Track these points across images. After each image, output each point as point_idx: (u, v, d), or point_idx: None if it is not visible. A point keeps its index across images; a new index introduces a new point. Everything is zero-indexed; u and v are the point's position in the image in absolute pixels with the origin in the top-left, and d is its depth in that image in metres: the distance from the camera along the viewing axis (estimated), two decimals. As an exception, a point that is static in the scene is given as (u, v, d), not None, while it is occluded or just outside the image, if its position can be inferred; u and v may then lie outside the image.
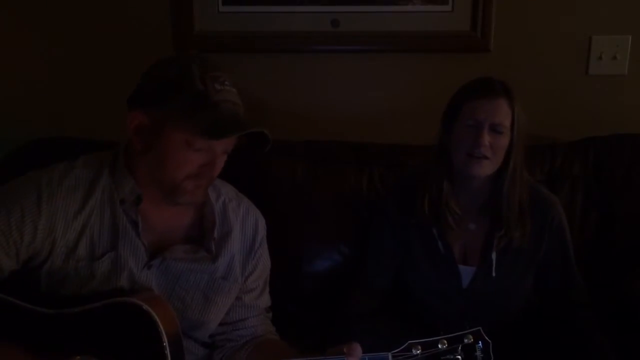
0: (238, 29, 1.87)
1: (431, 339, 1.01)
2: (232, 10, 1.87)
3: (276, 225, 1.38)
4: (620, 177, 1.68)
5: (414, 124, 1.73)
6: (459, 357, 1.01)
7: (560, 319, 1.41)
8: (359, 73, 1.89)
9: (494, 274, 1.39)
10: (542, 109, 1.83)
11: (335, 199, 1.70)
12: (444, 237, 1.42)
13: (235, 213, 1.25)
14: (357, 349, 1.00)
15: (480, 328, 1.02)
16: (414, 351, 1.00)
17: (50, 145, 1.76)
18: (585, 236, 1.65)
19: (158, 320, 1.02)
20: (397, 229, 1.47)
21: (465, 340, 1.01)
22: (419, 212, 1.42)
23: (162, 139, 1.07)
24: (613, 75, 1.82)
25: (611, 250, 1.64)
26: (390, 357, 1.01)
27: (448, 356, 1.01)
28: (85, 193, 1.12)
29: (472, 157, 1.32)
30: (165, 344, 1.02)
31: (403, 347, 1.01)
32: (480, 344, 1.01)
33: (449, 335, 1.01)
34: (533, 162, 1.68)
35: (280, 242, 1.39)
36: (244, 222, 1.26)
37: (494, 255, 1.39)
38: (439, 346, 1.00)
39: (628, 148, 1.71)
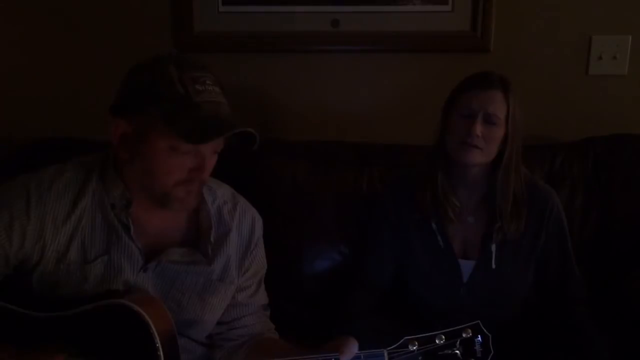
0: (238, 29, 1.87)
1: (428, 334, 0.99)
2: (232, 10, 1.87)
3: (276, 225, 1.38)
4: (620, 177, 1.68)
5: (414, 124, 1.73)
6: (457, 351, 0.98)
7: (557, 314, 1.41)
8: (359, 73, 1.90)
9: (493, 266, 1.40)
10: (542, 109, 1.83)
11: (335, 199, 1.70)
12: (444, 232, 1.43)
13: (232, 215, 1.24)
14: (353, 345, 0.99)
15: (479, 322, 1.01)
16: (410, 347, 0.98)
17: (50, 145, 1.76)
18: (585, 236, 1.65)
19: (150, 321, 1.00)
20: (396, 225, 1.47)
21: (464, 335, 0.99)
22: (420, 206, 1.43)
23: (147, 146, 1.04)
24: (613, 75, 1.82)
25: (611, 250, 1.64)
26: (385, 354, 0.99)
27: (446, 351, 0.98)
28: (75, 197, 1.10)
29: (464, 144, 1.34)
30: (158, 345, 1.00)
31: (399, 343, 0.99)
32: (480, 338, 0.99)
33: (447, 330, 0.99)
34: (533, 162, 1.68)
35: (280, 242, 1.39)
36: (240, 223, 1.25)
37: (493, 247, 1.40)
38: (437, 341, 0.98)
39: (628, 148, 1.71)
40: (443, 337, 0.99)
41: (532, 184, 1.44)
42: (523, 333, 1.40)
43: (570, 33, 1.81)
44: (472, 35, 1.82)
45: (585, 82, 1.83)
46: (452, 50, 1.83)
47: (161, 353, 1.01)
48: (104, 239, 1.11)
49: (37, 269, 1.09)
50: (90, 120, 1.85)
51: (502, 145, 1.36)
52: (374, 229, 1.53)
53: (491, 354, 1.01)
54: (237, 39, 1.87)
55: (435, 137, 1.44)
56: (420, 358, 0.99)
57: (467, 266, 1.42)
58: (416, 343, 0.99)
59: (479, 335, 1.00)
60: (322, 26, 1.85)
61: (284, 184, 1.72)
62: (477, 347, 0.99)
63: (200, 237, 1.19)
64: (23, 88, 1.96)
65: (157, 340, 1.00)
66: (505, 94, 1.35)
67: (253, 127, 1.06)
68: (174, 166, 1.05)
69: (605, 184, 1.68)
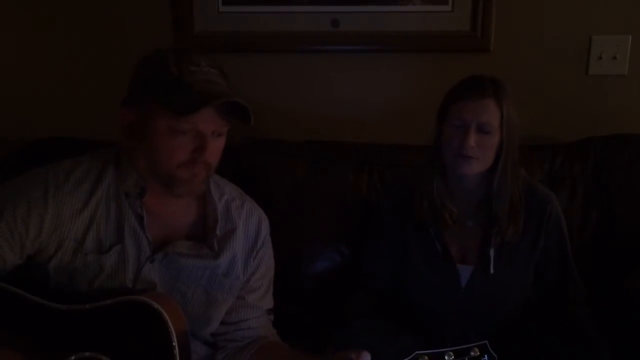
0: (238, 29, 1.87)
1: (438, 350, 1.00)
2: (232, 10, 1.87)
3: (276, 225, 1.38)
4: (620, 177, 1.67)
5: (413, 124, 1.73)
6: None
7: (558, 316, 1.41)
8: (359, 73, 1.89)
9: (492, 271, 1.39)
10: (542, 109, 1.83)
11: (335, 198, 1.70)
12: (441, 237, 1.42)
13: (239, 212, 1.26)
14: (367, 358, 1.00)
15: (486, 342, 1.02)
16: None
17: (50, 145, 1.76)
18: (585, 236, 1.65)
19: (169, 319, 1.02)
20: (393, 231, 1.46)
21: (472, 354, 1.01)
22: (417, 213, 1.42)
23: (149, 131, 1.08)
24: (613, 75, 1.82)
25: (611, 250, 1.64)
26: None
27: None
28: (91, 187, 1.13)
29: (459, 157, 1.32)
30: (175, 343, 1.02)
31: (411, 357, 1.00)
32: (486, 358, 1.01)
33: (456, 348, 1.01)
34: (533, 162, 1.68)
35: (280, 242, 1.39)
36: (247, 221, 1.27)
37: (491, 252, 1.39)
38: (446, 357, 1.00)
39: (628, 148, 1.71)
40: (452, 354, 1.01)
41: (531, 188, 1.43)
42: (524, 335, 1.40)
43: (570, 33, 1.81)
44: (472, 35, 1.82)
45: (585, 82, 1.83)
46: (452, 50, 1.83)
47: (177, 352, 1.02)
48: (117, 228, 1.14)
49: (54, 259, 1.10)
50: (90, 120, 1.86)
51: (499, 149, 1.34)
52: (371, 235, 1.52)
53: None
54: (237, 39, 1.87)
55: (431, 141, 1.43)
56: None
57: (465, 271, 1.41)
58: (426, 358, 1.00)
59: (486, 355, 1.02)
60: (322, 26, 1.85)
61: (284, 184, 1.72)
62: None
63: (207, 232, 1.20)
64: (23, 88, 1.96)
65: (174, 338, 1.02)
66: (497, 101, 1.31)
67: (253, 128, 1.07)
68: (176, 147, 1.08)
69: (605, 184, 1.68)
